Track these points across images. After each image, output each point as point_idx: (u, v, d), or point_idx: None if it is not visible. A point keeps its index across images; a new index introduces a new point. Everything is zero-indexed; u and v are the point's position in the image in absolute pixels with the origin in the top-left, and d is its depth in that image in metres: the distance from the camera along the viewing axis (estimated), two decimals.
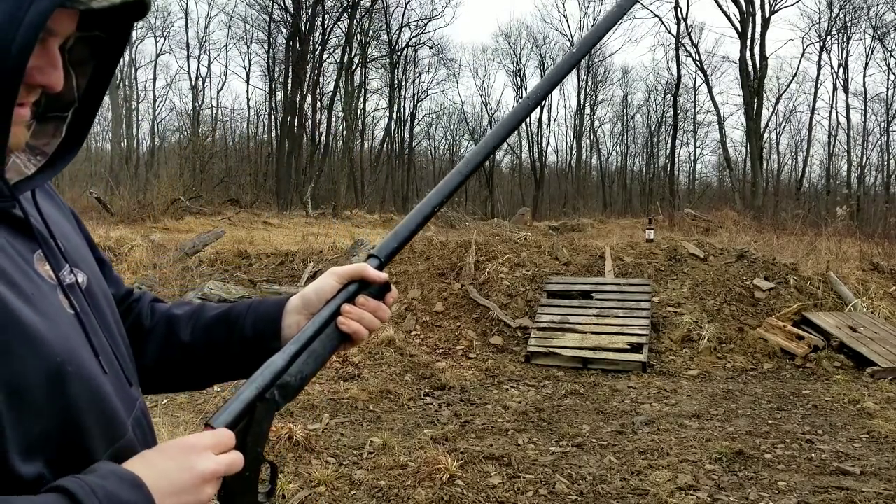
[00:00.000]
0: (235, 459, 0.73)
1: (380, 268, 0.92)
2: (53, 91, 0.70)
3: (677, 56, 32.02)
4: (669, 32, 33.63)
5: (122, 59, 0.80)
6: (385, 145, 40.02)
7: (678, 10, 31.09)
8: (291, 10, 31.76)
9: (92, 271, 0.83)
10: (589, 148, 43.01)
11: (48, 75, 0.69)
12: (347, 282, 0.92)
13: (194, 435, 0.72)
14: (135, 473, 0.66)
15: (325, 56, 34.38)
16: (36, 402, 0.65)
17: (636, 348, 6.74)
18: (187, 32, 40.47)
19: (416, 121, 42.90)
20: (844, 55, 34.50)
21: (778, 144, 39.17)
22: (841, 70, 34.08)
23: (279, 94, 33.93)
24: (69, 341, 0.70)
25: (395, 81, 38.87)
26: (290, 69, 31.87)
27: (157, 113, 38.94)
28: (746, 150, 31.40)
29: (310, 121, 33.05)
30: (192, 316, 0.99)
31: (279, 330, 0.95)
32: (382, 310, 0.93)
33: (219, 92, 40.78)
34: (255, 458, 0.77)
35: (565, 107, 67.23)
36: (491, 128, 1.04)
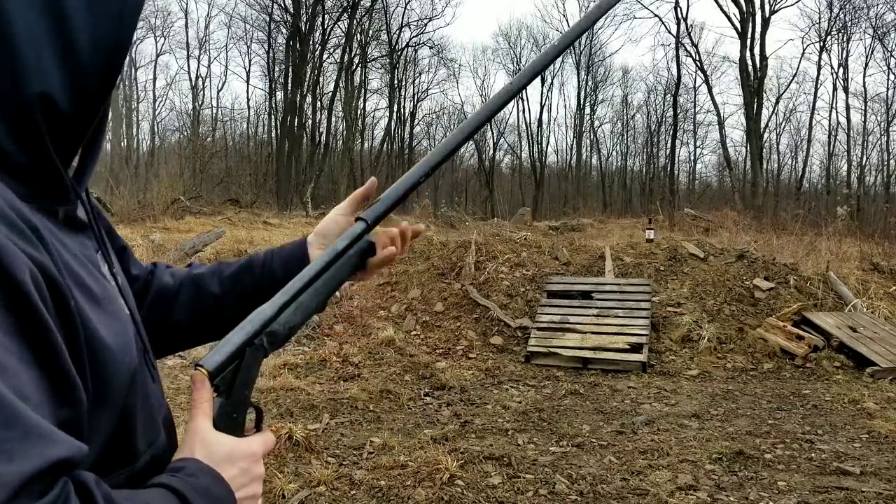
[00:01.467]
0: (271, 449, 0.81)
1: (366, 231, 0.96)
2: None
3: (677, 56, 32.02)
4: (669, 32, 33.64)
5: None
6: (385, 145, 40.02)
7: (678, 10, 31.10)
8: (291, 10, 31.76)
9: (121, 266, 0.85)
10: (589, 148, 43.02)
11: None
12: (354, 207, 1.01)
13: (253, 442, 0.78)
14: (218, 471, 0.71)
15: (325, 56, 34.39)
16: (113, 404, 0.67)
17: (636, 348, 6.74)
18: (187, 32, 40.49)
19: (416, 121, 42.91)
20: (844, 55, 34.52)
21: (778, 144, 39.18)
22: (841, 70, 34.09)
23: (279, 94, 33.95)
24: (134, 346, 0.72)
25: (395, 81, 38.87)
26: (290, 69, 31.87)
27: (157, 113, 38.98)
28: (746, 150, 31.40)
29: (310, 121, 33.06)
30: (214, 271, 1.04)
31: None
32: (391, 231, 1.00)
33: (219, 92, 40.79)
34: (243, 402, 0.80)
35: (565, 107, 67.23)
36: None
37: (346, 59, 34.11)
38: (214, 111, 38.11)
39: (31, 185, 0.65)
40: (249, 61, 48.66)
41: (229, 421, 0.78)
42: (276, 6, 33.11)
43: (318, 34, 33.05)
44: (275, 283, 0.97)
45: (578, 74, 40.26)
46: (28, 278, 0.56)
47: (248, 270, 1.03)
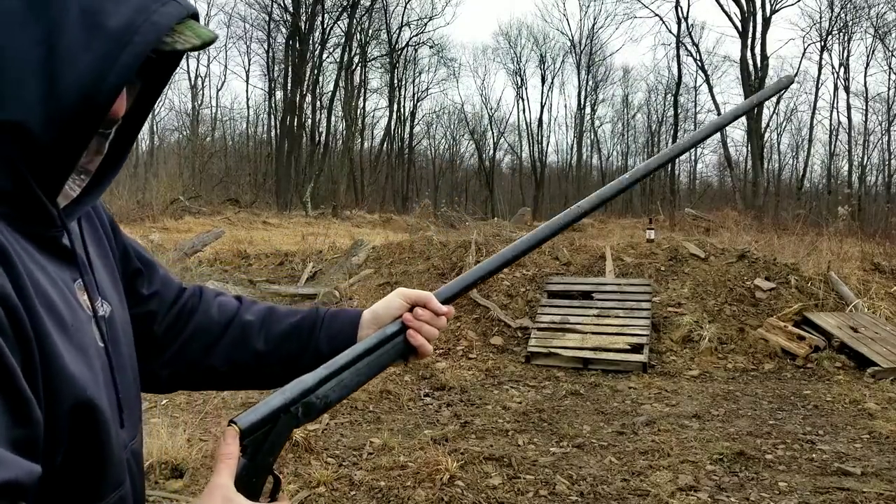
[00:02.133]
0: None
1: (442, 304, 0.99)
2: (116, 117, 0.71)
3: (678, 55, 32.03)
4: (670, 32, 33.68)
5: (171, 82, 0.82)
6: (385, 145, 40.03)
7: (679, 9, 31.11)
8: (291, 9, 31.76)
9: (117, 300, 0.84)
10: (589, 148, 43.03)
11: (118, 104, 0.70)
12: (413, 304, 0.97)
13: None
14: None
15: (324, 56, 34.40)
16: (61, 435, 0.65)
17: (637, 348, 6.73)
18: None
19: (416, 120, 42.92)
20: (845, 55, 34.46)
21: (779, 144, 39.19)
22: (842, 70, 34.08)
23: (279, 94, 33.96)
24: (98, 378, 0.71)
25: (395, 81, 38.87)
26: (290, 69, 31.88)
27: (156, 112, 38.95)
28: (747, 150, 31.39)
29: (309, 120, 33.07)
30: (263, 323, 1.01)
31: None
32: (438, 320, 0.97)
33: (218, 91, 40.95)
34: (265, 467, 0.80)
35: (566, 106, 67.28)
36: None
37: (345, 58, 34.12)
38: (214, 111, 38.15)
39: (10, 206, 0.65)
40: (249, 61, 48.68)
41: (248, 484, 0.77)
42: (275, 6, 33.12)
43: (317, 33, 33.06)
44: (319, 355, 0.97)
45: (579, 74, 40.27)
46: None
47: (296, 334, 1.01)
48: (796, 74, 36.07)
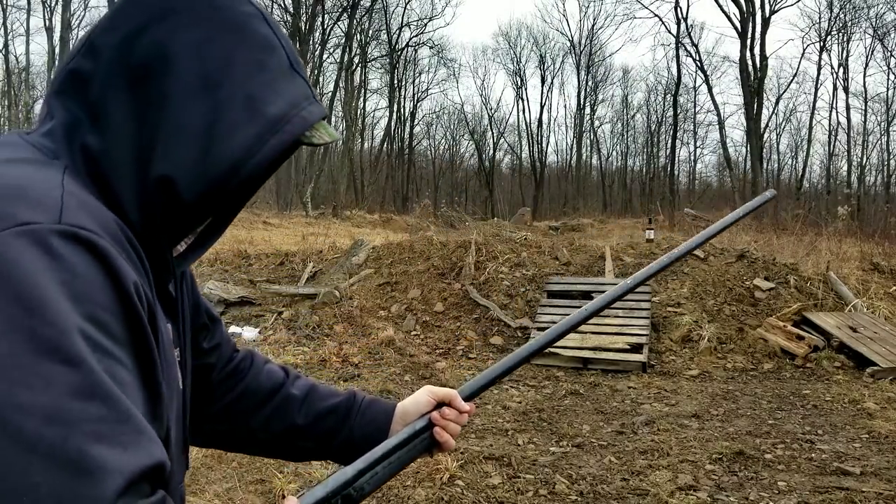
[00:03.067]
0: None
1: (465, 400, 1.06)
2: None
3: (677, 56, 32.06)
4: (669, 32, 33.68)
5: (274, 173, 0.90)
6: (385, 145, 40.04)
7: (678, 9, 31.13)
8: (291, 10, 31.76)
9: (188, 349, 0.89)
10: (589, 148, 43.04)
11: None
12: (439, 402, 1.04)
13: None
14: None
15: (325, 56, 34.41)
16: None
17: (636, 348, 6.74)
18: None
19: (416, 121, 42.95)
20: (844, 55, 34.49)
21: (778, 144, 39.24)
22: (841, 70, 34.11)
23: None
24: (177, 415, 0.79)
25: (395, 81, 38.89)
26: None
27: None
28: (746, 150, 31.41)
29: None
30: (306, 399, 1.07)
31: (385, 439, 1.04)
32: (461, 417, 1.04)
33: None
34: None
35: (565, 107, 67.27)
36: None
37: (346, 59, 34.12)
38: None
39: (141, 245, 0.72)
40: None
41: None
42: (275, 6, 33.10)
43: (318, 34, 33.07)
44: (351, 439, 1.05)
45: (578, 74, 40.28)
46: (133, 291, 0.62)
47: (333, 416, 1.07)
48: (795, 75, 36.09)
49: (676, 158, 35.62)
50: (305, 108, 0.77)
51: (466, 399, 1.05)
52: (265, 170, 0.81)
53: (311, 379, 1.13)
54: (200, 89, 0.71)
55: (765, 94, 30.13)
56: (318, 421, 1.06)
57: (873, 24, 32.08)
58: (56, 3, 31.62)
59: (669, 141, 36.20)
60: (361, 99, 38.11)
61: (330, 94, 34.39)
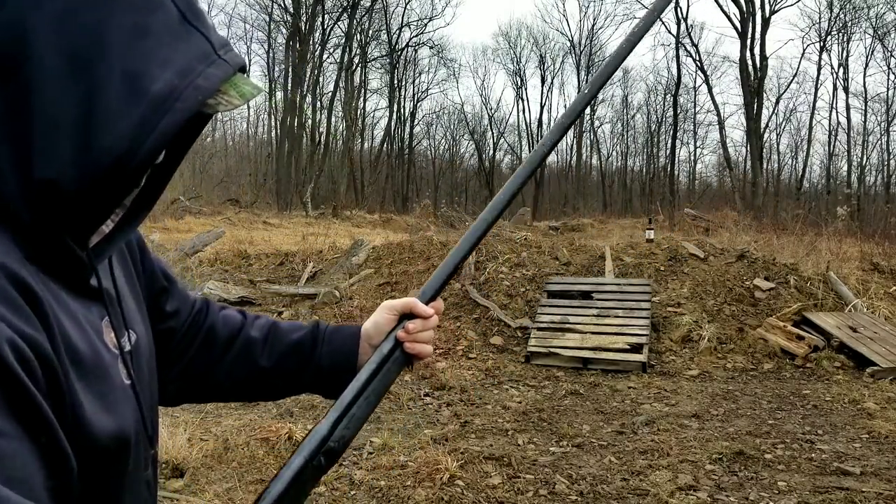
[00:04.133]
0: None
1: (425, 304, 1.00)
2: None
3: (677, 56, 32.06)
4: (669, 32, 33.68)
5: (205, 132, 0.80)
6: (385, 145, 40.03)
7: (678, 9, 31.13)
8: (291, 10, 31.77)
9: (142, 325, 0.83)
10: (589, 148, 43.04)
11: None
12: (400, 315, 0.98)
13: None
14: None
15: (325, 56, 34.42)
16: (90, 480, 0.65)
17: (636, 348, 6.74)
18: None
19: (416, 121, 42.94)
20: (844, 55, 34.49)
21: (778, 144, 39.22)
22: (841, 70, 34.11)
23: (279, 94, 33.97)
24: (123, 422, 0.70)
25: (395, 81, 38.89)
26: (290, 69, 31.89)
27: None
28: (746, 150, 31.40)
29: (310, 121, 33.07)
30: (267, 338, 1.02)
31: (355, 365, 1.00)
32: (429, 323, 0.98)
33: None
34: None
35: (565, 107, 67.18)
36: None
37: (346, 59, 34.13)
38: None
39: (41, 253, 0.64)
40: (249, 61, 48.49)
41: None
42: (276, 6, 33.14)
43: (318, 34, 33.08)
44: (320, 371, 1.00)
45: (578, 74, 40.27)
46: (8, 351, 0.54)
47: (298, 351, 1.02)
48: (795, 75, 36.11)
49: (676, 158, 35.62)
50: (202, 73, 0.65)
51: (429, 301, 0.98)
52: (168, 153, 0.73)
53: (272, 317, 1.07)
54: (68, 73, 0.60)
55: (765, 94, 30.14)
56: (284, 359, 1.01)
57: (873, 24, 32.09)
58: None
59: (669, 141, 36.20)
60: (361, 99, 38.13)
61: (330, 94, 34.43)
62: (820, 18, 42.32)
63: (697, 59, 32.52)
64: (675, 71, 33.09)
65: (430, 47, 39.64)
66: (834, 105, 34.72)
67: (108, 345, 0.72)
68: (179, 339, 0.98)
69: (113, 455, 0.68)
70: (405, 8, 38.59)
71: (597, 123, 43.15)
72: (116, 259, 0.82)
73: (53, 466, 0.58)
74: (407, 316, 0.98)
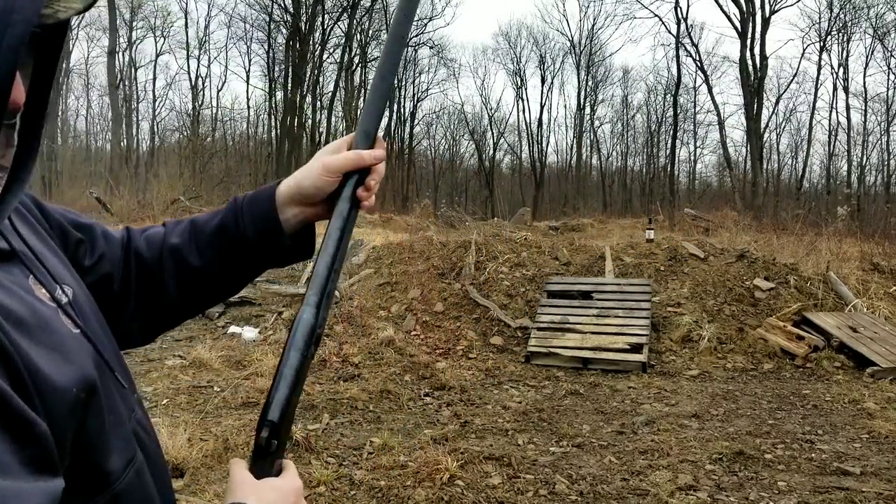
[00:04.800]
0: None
1: (359, 183, 0.94)
2: (17, 106, 0.66)
3: (677, 56, 32.03)
4: (669, 32, 33.65)
5: (63, 52, 0.75)
6: (385, 145, 39.97)
7: (678, 9, 31.11)
8: (291, 10, 31.76)
9: (72, 280, 0.81)
10: (589, 148, 43.01)
11: (16, 92, 0.63)
12: (345, 176, 0.93)
13: (295, 478, 0.80)
14: None
15: (325, 56, 34.42)
16: (60, 435, 0.63)
17: (636, 348, 6.74)
18: (187, 32, 40.39)
19: (416, 121, 42.93)
20: (844, 55, 34.47)
21: (778, 144, 39.20)
22: (841, 70, 34.09)
23: (279, 94, 33.97)
24: (83, 368, 0.68)
25: (395, 81, 38.83)
26: (290, 69, 31.88)
27: (156, 113, 38.96)
28: (746, 150, 31.40)
29: (310, 121, 33.08)
30: (191, 238, 0.98)
31: (280, 228, 0.97)
32: (380, 168, 0.95)
33: (219, 92, 40.73)
34: (293, 413, 0.82)
35: (565, 107, 67.24)
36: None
37: (346, 58, 34.14)
38: (214, 111, 38.10)
39: None
40: (249, 61, 48.62)
41: (286, 429, 0.80)
42: (276, 6, 33.13)
43: (317, 34, 33.08)
44: (248, 245, 0.96)
45: (578, 74, 40.27)
46: None
47: (222, 235, 0.97)
48: (795, 75, 36.06)
49: (676, 158, 35.61)
50: None
51: (370, 144, 0.94)
52: (31, 98, 0.69)
53: (191, 216, 1.03)
54: None
55: (765, 94, 30.14)
56: (212, 250, 0.97)
57: (873, 24, 32.08)
58: None
59: (669, 141, 36.19)
60: (362, 99, 38.10)
61: (330, 94, 34.43)
62: (820, 18, 42.29)
63: (697, 59, 32.51)
64: (675, 71, 33.09)
65: (430, 47, 39.66)
66: (834, 105, 34.73)
67: (43, 300, 0.70)
68: (119, 279, 0.95)
69: (84, 403, 0.66)
70: None
71: (597, 123, 43.16)
72: (22, 225, 0.79)
73: (19, 437, 0.56)
74: (352, 172, 0.93)
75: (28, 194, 0.85)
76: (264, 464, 0.78)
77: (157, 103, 38.57)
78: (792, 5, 43.75)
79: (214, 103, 46.83)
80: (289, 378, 0.79)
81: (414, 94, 41.66)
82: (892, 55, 33.14)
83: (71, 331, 0.71)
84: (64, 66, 30.47)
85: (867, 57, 34.88)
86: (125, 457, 0.73)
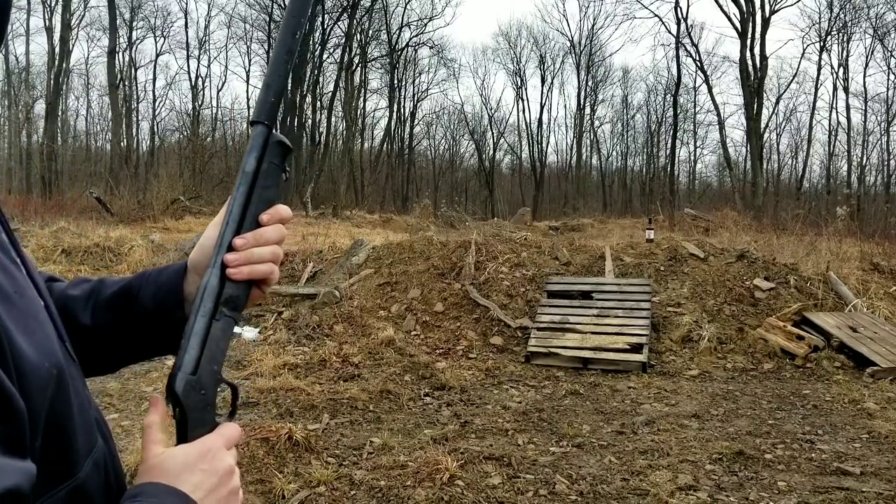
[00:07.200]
0: (238, 438, 0.77)
1: (270, 131, 0.83)
2: None
3: (677, 56, 32.04)
4: (669, 32, 33.68)
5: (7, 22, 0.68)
6: (385, 145, 40.02)
7: (678, 9, 31.11)
8: None
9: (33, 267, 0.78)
10: (589, 148, 43.03)
11: None
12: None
13: (207, 439, 0.74)
14: (176, 485, 0.68)
15: (325, 56, 34.42)
16: (37, 417, 0.61)
17: (636, 348, 6.74)
18: (187, 32, 40.47)
19: (416, 121, 42.94)
20: (844, 55, 34.47)
21: (778, 144, 39.21)
22: (841, 70, 34.10)
23: None
24: (54, 344, 0.66)
25: (395, 81, 38.88)
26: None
27: (156, 113, 38.96)
28: (746, 150, 31.42)
29: (309, 121, 33.08)
30: (90, 295, 0.90)
31: (182, 298, 0.88)
32: (262, 235, 0.82)
33: (218, 92, 40.81)
34: (211, 377, 0.76)
35: (565, 107, 67.24)
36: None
37: (345, 59, 34.14)
38: (214, 111, 38.19)
39: None
40: (249, 61, 48.55)
41: (197, 398, 0.75)
42: (276, 6, 33.13)
43: (317, 34, 33.06)
44: (146, 313, 0.87)
45: (578, 74, 40.27)
46: None
47: (123, 297, 0.89)
48: (795, 75, 36.05)
49: (676, 158, 35.63)
50: None
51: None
52: None
53: (101, 277, 0.96)
54: None
55: (765, 94, 30.14)
56: (107, 312, 0.88)
57: (873, 24, 32.08)
58: (56, 3, 31.62)
59: (669, 141, 36.20)
60: (361, 99, 38.13)
61: (330, 94, 34.42)
62: (820, 18, 42.31)
63: (697, 59, 32.51)
64: (675, 71, 33.10)
65: (430, 47, 39.66)
66: (834, 105, 34.73)
67: (17, 262, 0.69)
68: None
69: (56, 381, 0.64)
70: (405, 8, 38.54)
71: (597, 123, 43.17)
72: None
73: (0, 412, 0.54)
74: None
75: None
76: (184, 434, 0.74)
77: (157, 103, 38.59)
78: (792, 5, 43.76)
79: (214, 103, 46.90)
80: (195, 343, 0.75)
81: (414, 94, 41.67)
82: (892, 55, 33.14)
83: (39, 303, 0.69)
84: (64, 66, 30.45)
85: (867, 57, 34.89)
86: (88, 445, 0.70)
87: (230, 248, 0.80)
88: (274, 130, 0.84)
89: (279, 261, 0.84)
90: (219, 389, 0.78)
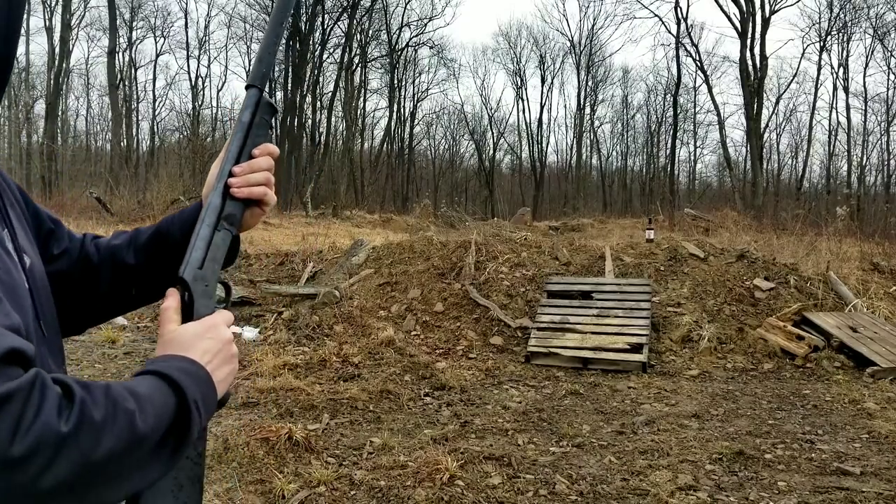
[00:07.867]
0: (231, 321, 0.94)
1: (261, 91, 1.05)
2: None
3: (677, 56, 32.04)
4: (669, 32, 33.68)
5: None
6: (385, 145, 40.02)
7: (678, 9, 31.11)
8: (291, 10, 31.75)
9: (35, 257, 0.89)
10: (589, 148, 43.02)
11: None
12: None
13: (212, 317, 0.90)
14: (188, 356, 0.82)
15: (325, 56, 34.43)
16: None
17: (636, 348, 6.74)
18: (187, 32, 40.49)
19: (416, 121, 42.94)
20: (844, 55, 34.47)
21: (778, 144, 39.21)
22: (841, 70, 34.10)
23: (279, 94, 33.94)
24: (25, 313, 0.75)
25: (395, 81, 38.88)
26: (290, 69, 31.88)
27: (156, 113, 38.98)
28: (746, 150, 31.42)
29: (310, 121, 33.08)
30: (130, 241, 1.08)
31: None
32: (255, 164, 1.02)
33: (219, 92, 40.89)
34: (213, 274, 0.92)
35: (565, 107, 67.25)
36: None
37: (345, 59, 34.13)
38: (214, 111, 38.19)
39: None
40: (249, 61, 48.58)
41: (202, 287, 0.91)
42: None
43: (317, 34, 33.08)
44: (175, 246, 1.03)
45: (578, 74, 40.27)
46: None
47: (156, 237, 1.07)
48: (795, 75, 36.03)
49: (676, 158, 35.64)
50: None
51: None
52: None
53: (141, 227, 1.14)
54: None
55: (765, 94, 30.14)
56: (147, 250, 1.06)
57: (873, 24, 32.08)
58: (56, 3, 31.62)
59: (669, 141, 36.20)
60: (361, 99, 38.14)
61: (330, 94, 34.42)
62: (820, 18, 42.29)
63: (697, 59, 32.51)
64: (675, 71, 33.10)
65: (430, 47, 39.66)
66: (834, 105, 34.73)
67: (11, 253, 0.78)
68: (69, 278, 1.03)
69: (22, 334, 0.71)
70: (405, 8, 38.53)
71: (597, 123, 43.17)
72: (3, 197, 0.87)
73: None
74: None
75: (14, 182, 0.95)
76: (191, 315, 0.89)
77: (157, 103, 38.61)
78: (792, 5, 43.76)
79: (214, 103, 46.84)
80: (201, 245, 0.92)
81: (414, 94, 41.67)
82: (892, 55, 33.14)
83: (25, 286, 0.79)
84: (64, 66, 30.45)
85: (867, 57, 34.88)
86: None
87: (230, 176, 0.97)
88: (264, 94, 1.04)
89: (272, 184, 1.04)
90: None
